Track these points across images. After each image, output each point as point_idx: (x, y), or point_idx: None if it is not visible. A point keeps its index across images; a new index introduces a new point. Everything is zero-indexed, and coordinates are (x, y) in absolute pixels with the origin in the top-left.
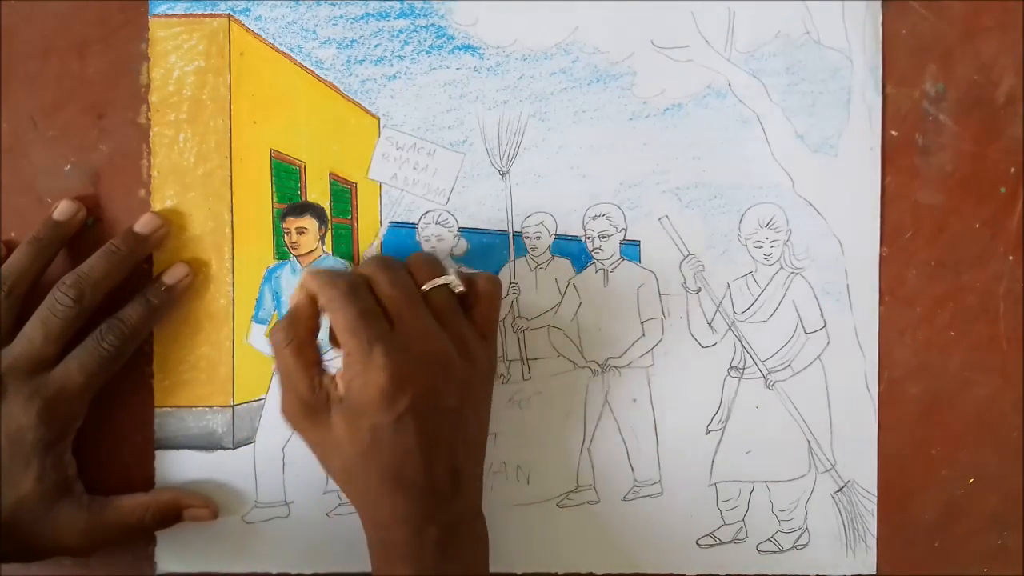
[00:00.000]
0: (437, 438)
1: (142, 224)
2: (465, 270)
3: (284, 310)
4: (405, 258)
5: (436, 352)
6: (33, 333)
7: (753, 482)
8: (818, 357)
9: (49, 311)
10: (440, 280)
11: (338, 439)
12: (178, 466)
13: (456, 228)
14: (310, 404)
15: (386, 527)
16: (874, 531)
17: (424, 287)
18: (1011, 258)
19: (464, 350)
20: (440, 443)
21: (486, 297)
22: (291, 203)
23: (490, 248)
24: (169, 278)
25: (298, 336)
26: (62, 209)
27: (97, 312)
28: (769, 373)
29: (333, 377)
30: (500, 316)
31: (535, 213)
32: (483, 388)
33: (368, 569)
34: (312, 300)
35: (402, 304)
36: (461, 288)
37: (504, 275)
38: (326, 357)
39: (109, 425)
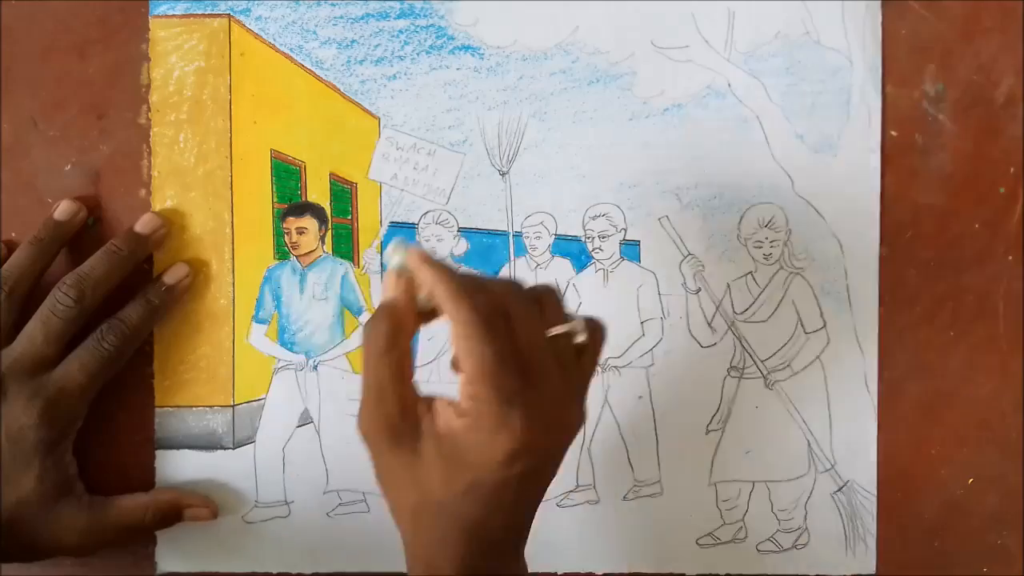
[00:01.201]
0: (530, 499)
1: (142, 224)
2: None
3: (284, 310)
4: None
5: (569, 423)
6: (34, 333)
7: (753, 482)
8: (818, 357)
9: (50, 311)
10: (566, 328)
11: (421, 476)
12: (178, 466)
13: (456, 228)
14: (397, 427)
15: (437, 567)
16: (874, 531)
17: (550, 333)
18: (1011, 258)
19: (582, 409)
20: (530, 503)
21: (594, 348)
22: (291, 203)
23: (490, 248)
24: (170, 278)
25: (399, 346)
26: (63, 209)
27: (97, 312)
28: (769, 373)
29: (429, 403)
30: None
31: (535, 213)
32: (570, 444)
33: (368, 569)
34: (413, 299)
35: (538, 355)
36: (583, 339)
37: (504, 275)
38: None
39: (109, 425)
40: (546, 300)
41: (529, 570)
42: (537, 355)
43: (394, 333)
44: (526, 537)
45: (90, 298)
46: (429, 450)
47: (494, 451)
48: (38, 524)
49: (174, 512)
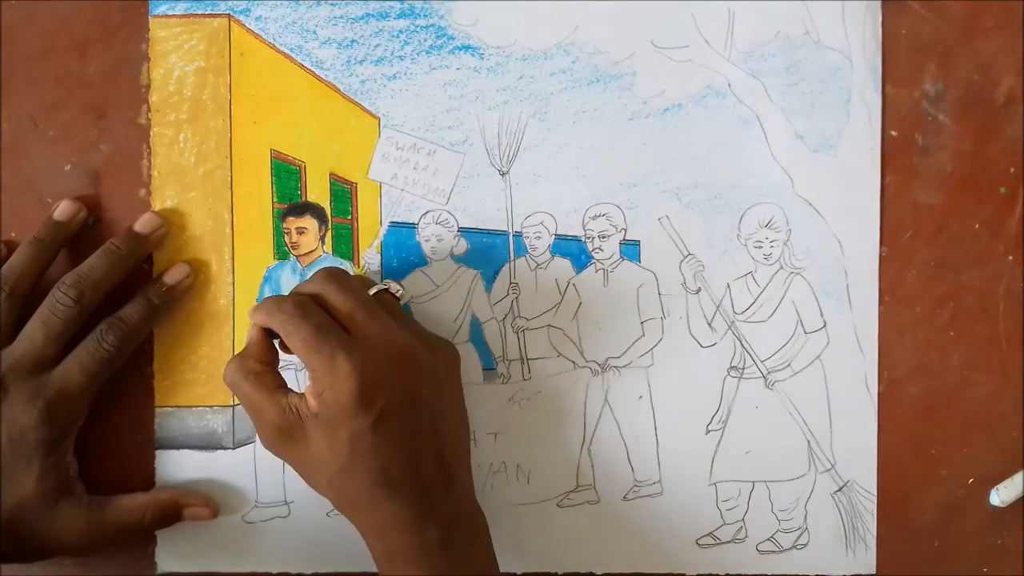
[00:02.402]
0: (419, 433)
1: (142, 224)
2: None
3: None
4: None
5: (401, 347)
6: (34, 333)
7: (753, 482)
8: (818, 357)
9: (50, 311)
10: (383, 284)
11: (319, 454)
12: (178, 466)
13: (456, 228)
14: (284, 428)
15: (386, 534)
16: (874, 531)
17: (372, 291)
18: (1011, 258)
19: (425, 341)
20: (424, 438)
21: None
22: (291, 203)
23: (490, 248)
24: (170, 278)
25: (252, 368)
26: (63, 209)
27: (97, 312)
28: (769, 373)
29: (302, 396)
30: (501, 316)
31: (535, 213)
32: (453, 377)
33: (368, 569)
34: (261, 331)
35: (356, 309)
36: (401, 290)
37: (504, 275)
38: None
39: (109, 425)
40: (360, 277)
41: (529, 570)
42: (357, 311)
43: (241, 364)
44: (454, 479)
45: (89, 298)
46: (312, 432)
47: (343, 398)
48: (38, 524)
49: (174, 511)
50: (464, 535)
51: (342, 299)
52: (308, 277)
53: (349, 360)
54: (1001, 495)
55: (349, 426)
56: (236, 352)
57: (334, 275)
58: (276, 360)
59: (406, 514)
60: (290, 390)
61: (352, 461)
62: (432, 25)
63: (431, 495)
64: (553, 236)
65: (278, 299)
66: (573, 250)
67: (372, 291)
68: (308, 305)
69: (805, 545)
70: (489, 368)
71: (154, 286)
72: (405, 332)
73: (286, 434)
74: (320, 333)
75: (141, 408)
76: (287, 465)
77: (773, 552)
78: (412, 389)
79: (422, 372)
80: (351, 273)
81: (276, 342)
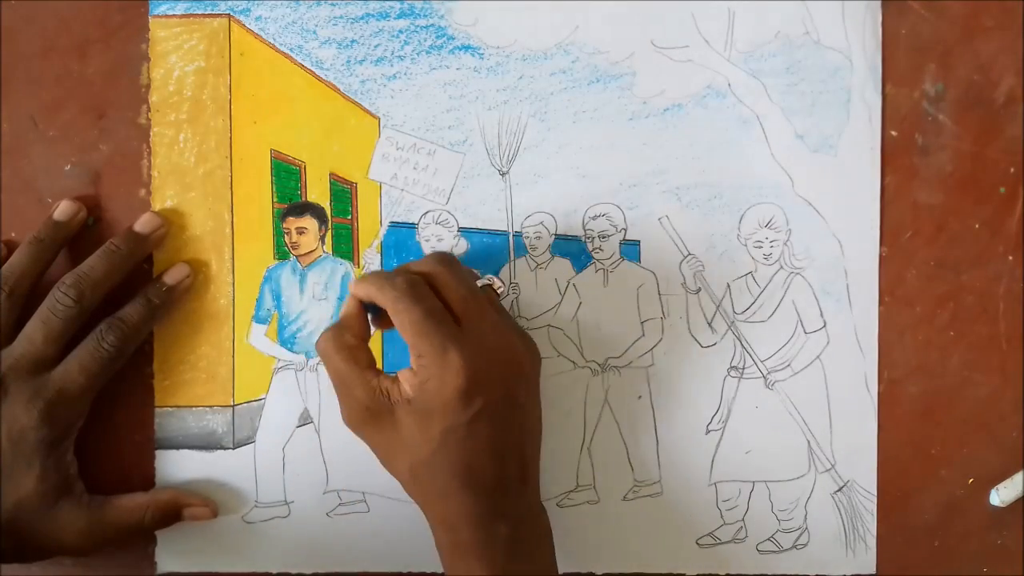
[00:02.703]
0: (509, 435)
1: (142, 223)
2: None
3: (284, 310)
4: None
5: (509, 349)
6: (34, 333)
7: (753, 482)
8: (818, 357)
9: (49, 311)
10: (487, 279)
11: (406, 440)
12: (178, 466)
13: (456, 228)
14: (372, 408)
15: (455, 527)
16: (874, 531)
17: (479, 282)
18: (1011, 258)
19: (529, 345)
20: (511, 438)
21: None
22: (291, 203)
23: (490, 248)
24: (170, 278)
25: (347, 342)
26: (62, 209)
27: (97, 312)
28: (769, 373)
29: (394, 378)
30: None
31: (535, 213)
32: (537, 377)
33: (368, 569)
34: (359, 305)
35: (469, 301)
36: (502, 287)
37: (504, 275)
38: None
39: (109, 425)
40: (466, 266)
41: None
42: (469, 302)
43: (336, 336)
44: (529, 478)
45: (89, 298)
46: (403, 417)
47: (447, 392)
48: (38, 524)
49: (174, 511)
50: (531, 534)
51: (455, 286)
52: (420, 259)
53: (460, 354)
54: (1001, 495)
55: (445, 420)
56: (331, 324)
57: (446, 260)
58: (368, 336)
59: (480, 509)
60: (381, 371)
61: (439, 453)
62: (432, 25)
63: (507, 493)
64: (553, 236)
65: (388, 275)
66: (573, 250)
67: (481, 282)
68: (420, 286)
69: (805, 545)
70: None
71: (154, 286)
72: (512, 332)
73: (372, 415)
74: (432, 319)
75: (141, 408)
76: (286, 465)
77: (773, 552)
78: (511, 389)
79: (522, 373)
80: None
81: (369, 317)
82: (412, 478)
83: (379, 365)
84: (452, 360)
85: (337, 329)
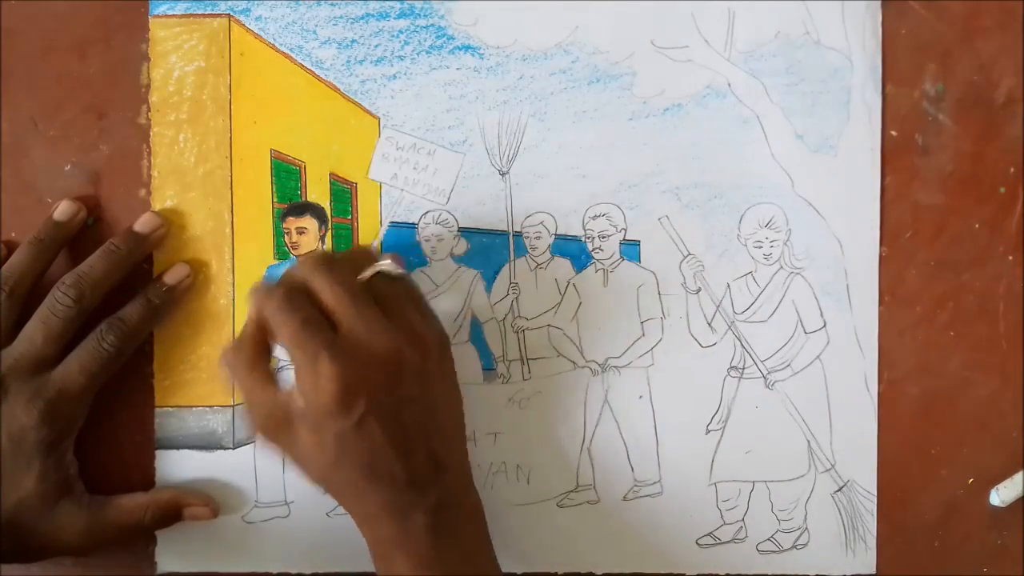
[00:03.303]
0: (406, 430)
1: (142, 224)
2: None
3: None
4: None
5: (385, 350)
6: (34, 333)
7: (753, 482)
8: (818, 357)
9: (49, 311)
10: (376, 267)
11: (307, 449)
12: (178, 466)
13: (456, 228)
14: (274, 419)
15: (374, 521)
16: (874, 531)
17: (361, 276)
18: (1011, 258)
19: (413, 338)
20: (411, 434)
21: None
22: (291, 203)
23: (490, 248)
24: (170, 278)
25: (246, 356)
26: (62, 209)
27: (97, 312)
28: (769, 373)
29: (291, 391)
30: (501, 316)
31: (535, 213)
32: (443, 367)
33: (368, 569)
34: (259, 318)
35: (344, 304)
36: (400, 271)
37: (504, 275)
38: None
39: (109, 425)
40: (356, 255)
41: (529, 570)
42: (342, 304)
43: (238, 348)
44: (445, 466)
45: (89, 298)
46: (299, 427)
47: (324, 399)
48: (38, 524)
49: (174, 511)
50: (453, 520)
51: (329, 292)
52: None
53: (331, 362)
54: (1001, 495)
55: (333, 426)
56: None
57: (323, 261)
58: (269, 347)
59: (393, 503)
60: (283, 382)
61: (339, 457)
62: (432, 25)
63: (421, 484)
64: (553, 236)
65: (269, 288)
66: (573, 250)
67: (367, 274)
68: (297, 296)
69: (805, 545)
70: (489, 368)
71: (154, 286)
72: (391, 331)
73: (276, 426)
74: (306, 329)
75: (141, 408)
76: (287, 465)
77: (773, 552)
78: (396, 389)
79: (408, 371)
80: (348, 250)
81: None
82: (323, 483)
83: None
84: (323, 368)
85: (238, 343)
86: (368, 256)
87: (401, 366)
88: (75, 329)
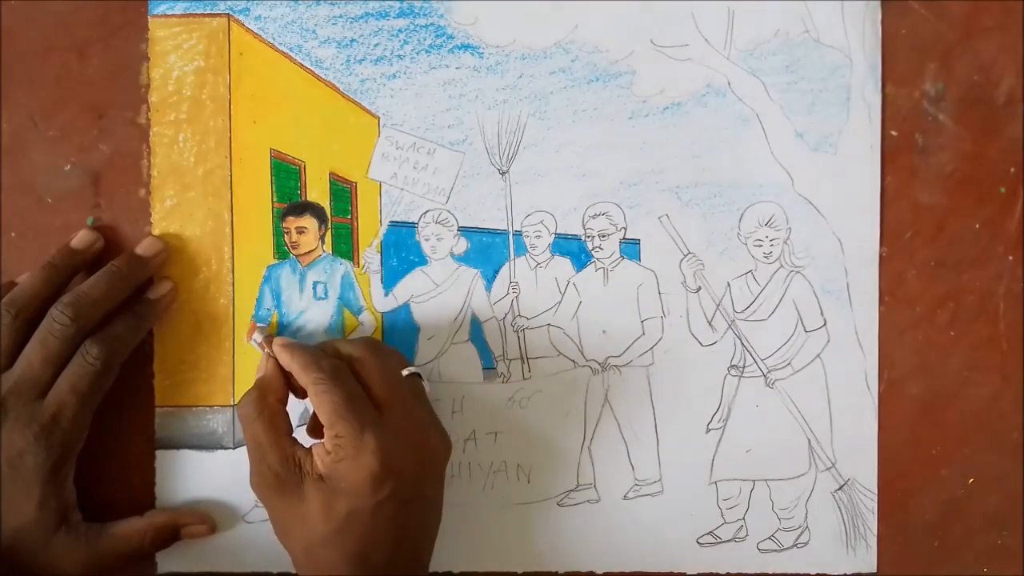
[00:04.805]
0: (408, 527)
1: (144, 247)
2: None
3: (284, 309)
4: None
5: (425, 442)
6: (32, 355)
7: (753, 480)
8: (818, 355)
9: (47, 331)
10: (414, 368)
11: (308, 515)
12: (178, 466)
13: (456, 227)
14: (282, 477)
15: None
16: (874, 529)
17: (405, 372)
18: (1011, 258)
19: (443, 439)
20: (410, 532)
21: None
22: (291, 202)
23: (490, 247)
24: (153, 293)
25: (269, 407)
26: (81, 238)
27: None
28: (769, 372)
29: (308, 451)
30: (501, 315)
31: (535, 212)
32: (444, 472)
33: None
34: (279, 369)
35: (391, 390)
36: (427, 383)
37: (504, 274)
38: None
39: (109, 424)
40: (396, 352)
41: (529, 569)
42: (391, 391)
43: (260, 399)
44: (419, 567)
45: (87, 317)
46: (310, 490)
47: (359, 474)
48: (37, 554)
49: (172, 532)
50: None
51: (380, 374)
52: (352, 339)
53: (376, 439)
54: None
55: (352, 501)
56: (251, 382)
57: (375, 347)
58: (287, 399)
59: None
60: (296, 440)
61: (339, 534)
62: (431, 24)
63: None
64: (553, 235)
65: (315, 355)
66: (573, 249)
67: (405, 372)
68: (343, 371)
69: (806, 544)
70: (489, 367)
71: (138, 300)
72: (428, 423)
73: (281, 483)
74: (352, 403)
75: (141, 408)
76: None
77: (774, 551)
78: (421, 482)
79: (431, 469)
80: (390, 348)
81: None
82: (305, 554)
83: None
84: (368, 443)
85: (260, 392)
86: (404, 359)
87: (433, 463)
88: (73, 349)
